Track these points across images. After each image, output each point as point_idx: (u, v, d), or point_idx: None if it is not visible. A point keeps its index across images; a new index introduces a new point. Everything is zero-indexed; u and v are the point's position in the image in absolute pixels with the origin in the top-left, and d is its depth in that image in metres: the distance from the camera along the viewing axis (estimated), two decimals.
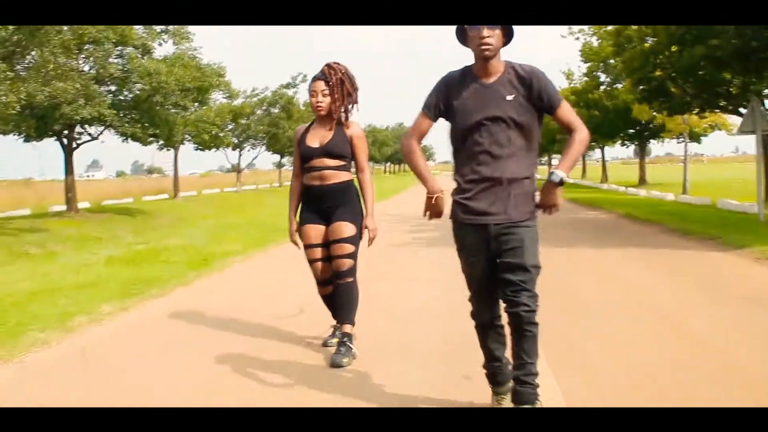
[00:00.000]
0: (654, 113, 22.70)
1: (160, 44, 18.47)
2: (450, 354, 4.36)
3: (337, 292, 4.42)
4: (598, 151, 45.25)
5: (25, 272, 8.77)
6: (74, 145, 17.27)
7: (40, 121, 14.83)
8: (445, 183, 2.92)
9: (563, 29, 29.76)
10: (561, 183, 2.94)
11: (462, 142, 3.05)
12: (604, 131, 33.38)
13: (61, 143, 17.03)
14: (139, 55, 16.64)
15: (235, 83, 39.96)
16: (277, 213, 5.18)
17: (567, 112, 3.03)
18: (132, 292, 6.80)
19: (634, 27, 18.02)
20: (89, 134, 17.83)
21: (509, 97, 2.94)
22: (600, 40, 28.46)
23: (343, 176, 4.42)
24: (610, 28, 22.85)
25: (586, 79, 33.32)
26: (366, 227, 4.45)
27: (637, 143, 35.93)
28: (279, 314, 5.69)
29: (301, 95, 35.62)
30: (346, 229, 4.36)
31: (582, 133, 3.00)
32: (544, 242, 3.21)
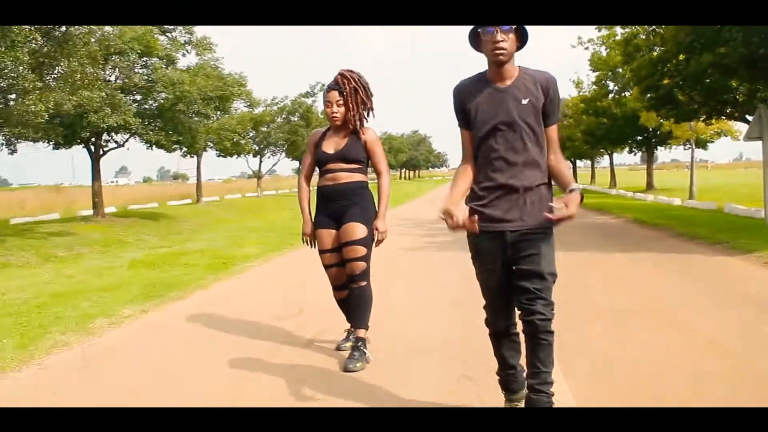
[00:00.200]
0: (661, 120, 22.40)
1: (183, 55, 18.53)
2: (459, 355, 4.22)
3: (351, 296, 4.30)
4: (606, 157, 44.84)
5: (51, 274, 8.75)
6: (101, 152, 17.32)
7: (68, 129, 14.87)
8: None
9: (573, 39, 29.57)
10: (582, 196, 2.78)
11: (477, 149, 2.91)
12: (612, 138, 33.18)
13: (89, 150, 17.08)
14: (163, 66, 16.68)
15: (256, 92, 40.14)
16: (295, 217, 5.09)
17: (557, 131, 2.94)
18: (152, 295, 6.74)
19: (643, 37, 17.86)
20: (115, 142, 17.89)
21: (524, 101, 2.79)
22: (609, 50, 28.28)
23: (357, 177, 4.30)
24: (618, 37, 22.69)
25: (595, 87, 33.02)
26: (376, 229, 4.30)
27: (644, 150, 35.53)
28: (291, 317, 5.59)
29: (319, 104, 35.55)
30: (358, 230, 4.22)
31: (562, 156, 2.94)
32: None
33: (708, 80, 14.59)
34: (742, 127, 22.63)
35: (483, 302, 3.07)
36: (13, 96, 11.18)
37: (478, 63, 3.07)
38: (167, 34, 18.29)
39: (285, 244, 11.59)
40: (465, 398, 3.50)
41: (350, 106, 4.20)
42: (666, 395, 3.50)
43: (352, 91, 4.21)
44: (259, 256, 10.06)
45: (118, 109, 14.81)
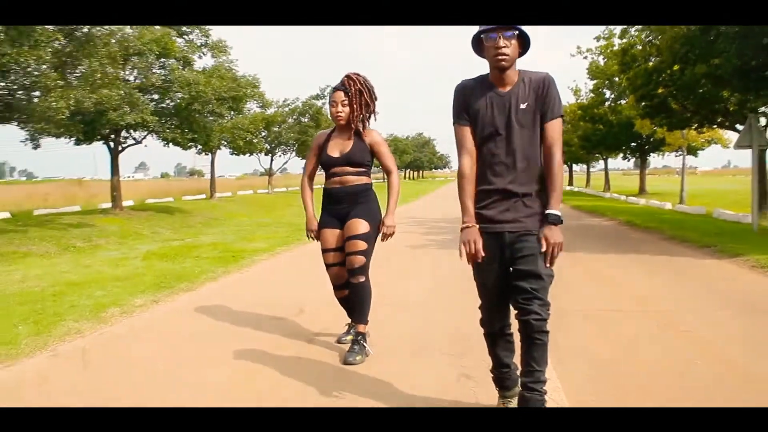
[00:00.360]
0: (655, 128, 22.26)
1: (200, 57, 18.48)
2: (457, 353, 4.15)
3: (351, 292, 4.21)
4: (601, 162, 44.70)
5: (69, 264, 8.72)
6: (120, 148, 17.29)
7: (88, 126, 14.83)
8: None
9: (572, 49, 29.51)
10: (560, 221, 2.69)
11: (478, 150, 2.82)
12: (608, 144, 33.10)
13: (108, 146, 17.07)
14: (180, 67, 16.63)
15: (269, 94, 40.16)
16: (303, 213, 5.06)
17: (558, 130, 2.75)
18: (163, 286, 6.69)
19: (639, 47, 17.75)
20: (134, 138, 17.86)
21: (523, 106, 2.71)
22: (606, 59, 28.19)
23: (363, 180, 4.23)
24: (616, 47, 22.59)
25: (592, 95, 32.94)
26: (384, 224, 4.22)
27: (638, 155, 35.38)
28: (296, 311, 5.53)
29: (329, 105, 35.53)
30: (360, 226, 4.15)
31: (560, 158, 2.74)
32: None
33: (701, 90, 14.50)
34: (731, 136, 22.55)
35: (479, 302, 3.00)
36: (37, 93, 11.16)
37: (482, 68, 3.01)
38: (184, 36, 18.25)
39: (292, 239, 11.54)
40: (464, 397, 3.43)
41: (354, 106, 4.13)
42: (657, 395, 3.43)
43: (357, 92, 4.14)
44: (267, 250, 9.99)
45: (136, 107, 14.80)
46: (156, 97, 16.75)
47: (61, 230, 12.41)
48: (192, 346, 4.55)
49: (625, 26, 20.47)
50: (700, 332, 4.72)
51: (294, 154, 36.25)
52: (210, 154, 26.66)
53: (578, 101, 35.05)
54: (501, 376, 3.06)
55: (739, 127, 15.32)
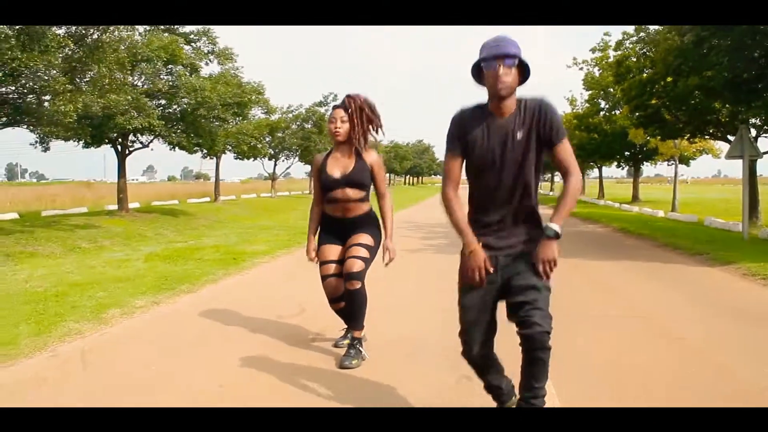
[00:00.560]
0: (648, 138, 22.18)
1: (206, 63, 18.43)
2: (454, 356, 4.06)
3: (347, 299, 4.09)
4: (596, 170, 44.63)
5: (73, 265, 8.64)
6: (127, 151, 17.23)
7: (96, 130, 14.76)
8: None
9: (568, 60, 29.54)
10: (557, 237, 2.55)
11: (475, 179, 2.71)
12: (602, 153, 33.05)
13: (116, 150, 17.00)
14: (187, 73, 16.58)
15: (273, 100, 40.12)
16: (305, 217, 4.94)
17: (568, 151, 2.62)
18: (164, 287, 6.61)
19: (634, 59, 17.72)
20: (140, 142, 17.79)
21: (519, 135, 2.58)
22: (601, 71, 28.19)
23: (365, 208, 4.13)
24: (611, 59, 22.55)
25: (587, 105, 32.90)
26: (386, 248, 4.11)
27: (631, 164, 35.32)
28: (294, 314, 5.45)
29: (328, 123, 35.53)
30: (364, 238, 4.07)
31: (577, 179, 2.61)
32: None
33: (693, 101, 14.48)
34: (722, 146, 22.48)
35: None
36: (47, 97, 11.11)
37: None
38: (192, 43, 18.21)
39: (293, 242, 11.45)
40: (463, 397, 3.36)
41: (355, 123, 4.04)
42: (651, 401, 3.35)
43: (357, 109, 4.05)
44: (268, 253, 9.91)
45: (143, 112, 14.73)
46: (163, 102, 16.69)
47: (68, 231, 12.32)
48: (191, 347, 4.46)
49: (621, 34, 20.50)
50: (693, 339, 4.64)
51: (297, 159, 36.24)
52: (215, 158, 26.62)
53: (574, 111, 35.03)
54: (494, 393, 2.94)
55: (730, 137, 15.27)
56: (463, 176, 2.77)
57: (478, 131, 2.63)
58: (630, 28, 20.06)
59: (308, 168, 42.33)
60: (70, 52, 10.84)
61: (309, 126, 33.99)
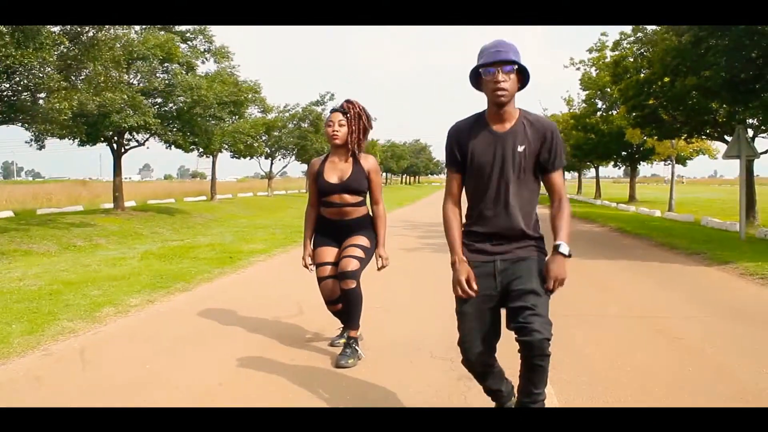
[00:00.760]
0: (645, 138, 22.20)
1: (203, 62, 18.34)
2: (450, 356, 4.03)
3: (343, 299, 4.06)
4: (592, 170, 44.66)
5: (68, 263, 8.58)
6: (122, 150, 17.13)
7: (91, 128, 14.66)
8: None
9: (566, 60, 29.54)
10: (569, 256, 2.55)
11: (473, 191, 2.66)
12: (599, 152, 33.03)
13: (111, 148, 16.91)
14: (183, 71, 16.51)
15: (270, 99, 40.03)
16: (301, 216, 4.95)
17: (562, 177, 2.64)
18: (159, 286, 6.57)
19: (631, 59, 17.71)
20: (136, 141, 17.69)
21: (520, 148, 2.55)
22: (598, 71, 28.19)
23: (362, 211, 4.12)
24: (608, 59, 22.56)
25: (584, 105, 32.89)
26: (379, 255, 4.11)
27: (628, 164, 35.34)
28: (290, 313, 5.42)
29: (328, 112, 35.46)
30: (360, 240, 4.06)
31: (568, 205, 2.64)
32: None
33: (691, 101, 14.46)
34: (719, 146, 22.53)
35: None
36: (42, 95, 11.04)
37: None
38: (188, 42, 18.14)
39: (289, 241, 11.41)
40: (462, 397, 3.33)
41: (353, 128, 4.03)
42: (649, 401, 3.32)
43: (355, 115, 4.05)
44: (264, 251, 9.87)
45: (139, 110, 14.65)
46: (159, 100, 16.60)
47: (63, 229, 12.26)
48: (185, 346, 4.42)
49: (619, 34, 20.48)
50: (691, 339, 4.62)
51: (294, 158, 36.18)
52: (211, 157, 26.55)
53: (571, 111, 35.03)
54: (493, 396, 2.89)
55: (727, 137, 15.28)
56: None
57: (475, 143, 2.60)
58: (627, 29, 20.06)
59: (305, 167, 42.28)
60: (65, 50, 10.77)
61: (306, 125, 33.91)
